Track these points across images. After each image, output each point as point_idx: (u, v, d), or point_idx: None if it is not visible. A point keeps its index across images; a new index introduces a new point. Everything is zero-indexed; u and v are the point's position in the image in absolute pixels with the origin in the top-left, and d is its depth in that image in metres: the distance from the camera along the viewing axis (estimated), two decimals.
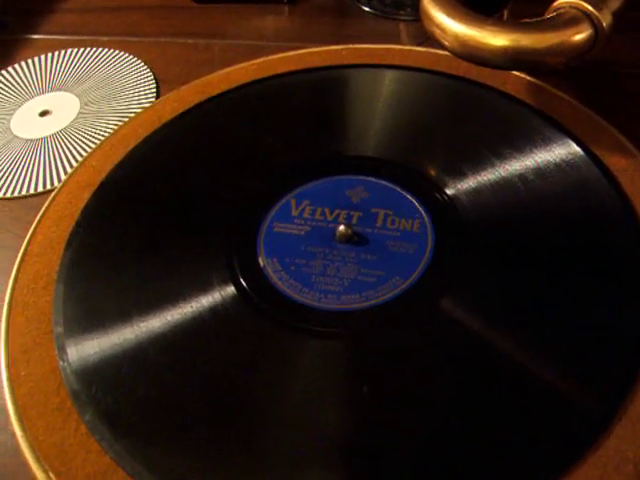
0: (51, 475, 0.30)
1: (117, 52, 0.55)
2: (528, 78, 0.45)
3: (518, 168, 0.39)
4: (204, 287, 0.35)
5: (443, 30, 0.39)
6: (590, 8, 0.38)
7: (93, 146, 0.46)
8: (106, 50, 0.56)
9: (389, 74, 0.46)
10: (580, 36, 0.38)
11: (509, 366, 0.32)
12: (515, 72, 0.46)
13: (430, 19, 0.40)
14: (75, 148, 0.47)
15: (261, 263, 0.36)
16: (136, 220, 0.40)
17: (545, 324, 0.33)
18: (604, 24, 0.38)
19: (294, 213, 0.39)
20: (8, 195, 0.45)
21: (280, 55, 0.49)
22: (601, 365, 0.31)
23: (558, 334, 0.32)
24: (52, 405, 0.32)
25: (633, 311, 0.33)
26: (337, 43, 0.51)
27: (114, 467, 0.30)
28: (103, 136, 0.47)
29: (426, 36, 0.42)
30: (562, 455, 0.29)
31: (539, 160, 0.39)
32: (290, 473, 0.29)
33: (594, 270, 0.35)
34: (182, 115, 0.45)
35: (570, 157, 0.39)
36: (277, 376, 0.32)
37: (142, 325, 0.34)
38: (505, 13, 0.50)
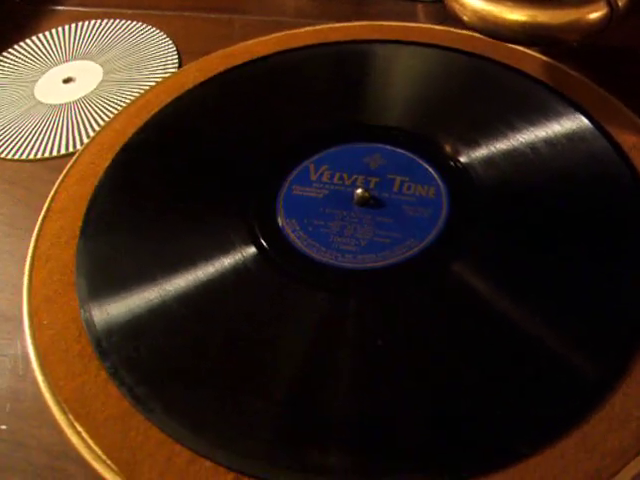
0: (71, 417, 0.31)
1: (140, 24, 0.56)
2: (544, 58, 0.46)
3: (530, 139, 0.40)
4: (225, 246, 0.36)
5: (462, 5, 0.40)
6: None
7: (115, 112, 0.47)
8: (129, 22, 0.57)
9: (408, 49, 0.47)
10: (596, 14, 0.38)
11: (519, 329, 0.32)
12: (531, 51, 0.46)
13: None
14: (97, 114, 0.48)
15: (280, 223, 0.37)
16: (157, 182, 0.41)
17: (553, 290, 0.34)
18: (620, 3, 0.39)
19: (313, 177, 0.39)
20: (31, 157, 0.46)
21: (302, 29, 0.50)
22: (608, 328, 0.32)
23: (566, 299, 0.33)
24: (73, 352, 0.33)
25: (638, 279, 0.34)
26: (357, 21, 0.52)
27: (132, 411, 0.31)
28: (126, 103, 0.48)
29: (444, 16, 0.42)
30: (571, 410, 0.29)
31: (550, 132, 0.40)
32: (300, 422, 0.30)
33: (601, 240, 0.35)
34: (204, 83, 0.46)
35: (581, 131, 0.40)
36: (294, 330, 0.33)
37: (163, 280, 0.35)
38: None
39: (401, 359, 0.32)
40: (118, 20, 0.57)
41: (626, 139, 0.40)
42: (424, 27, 0.49)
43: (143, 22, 0.56)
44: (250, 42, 0.50)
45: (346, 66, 0.47)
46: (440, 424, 0.30)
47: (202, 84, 0.46)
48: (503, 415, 0.30)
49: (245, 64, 0.47)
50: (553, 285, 0.34)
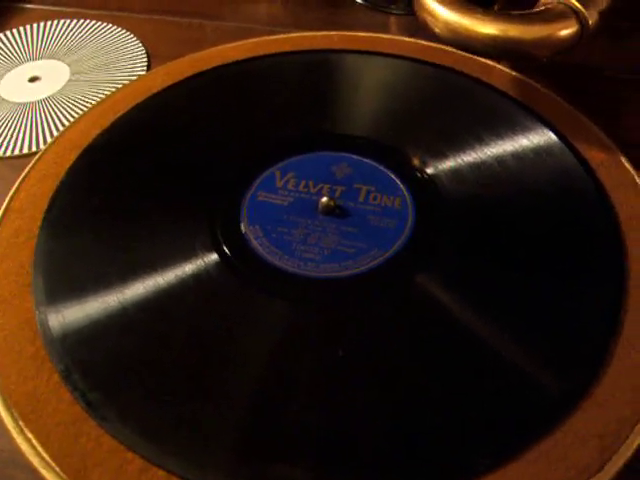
0: (20, 423, 0.30)
1: (109, 25, 0.56)
2: (513, 73, 0.46)
3: (497, 152, 0.40)
4: (186, 251, 0.36)
5: (434, 17, 0.40)
6: (578, 5, 0.39)
7: (81, 112, 0.46)
8: (99, 23, 0.56)
9: (378, 60, 0.47)
10: (566, 31, 0.39)
11: (480, 344, 0.32)
12: (500, 66, 0.46)
13: (422, 6, 0.41)
14: (63, 114, 0.47)
15: (243, 229, 0.37)
16: (120, 184, 0.40)
17: (517, 304, 0.34)
18: (590, 22, 0.39)
19: (278, 184, 0.39)
20: None
21: (272, 37, 0.50)
22: (571, 347, 0.32)
23: (530, 315, 0.33)
24: (26, 354, 0.32)
25: (603, 297, 0.34)
26: (328, 31, 0.51)
27: (84, 416, 0.30)
28: (92, 104, 0.47)
29: (416, 29, 0.43)
30: (532, 428, 0.29)
31: (517, 146, 0.40)
32: (259, 427, 0.30)
33: (568, 255, 0.35)
34: (172, 86, 0.46)
35: (549, 146, 0.40)
36: (254, 339, 0.32)
37: (122, 284, 0.34)
38: (495, 6, 0.51)
39: (362, 370, 0.31)
40: (88, 21, 0.56)
41: (594, 156, 0.40)
42: (394, 39, 0.49)
43: (113, 24, 0.56)
44: (219, 47, 0.49)
45: (316, 75, 0.47)
46: (401, 437, 0.29)
47: (169, 87, 0.45)
48: (464, 429, 0.29)
49: (213, 69, 0.47)
50: (517, 300, 0.34)
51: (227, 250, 0.36)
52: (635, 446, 0.29)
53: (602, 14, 0.40)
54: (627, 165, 0.40)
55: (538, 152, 0.40)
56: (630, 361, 0.31)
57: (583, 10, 0.39)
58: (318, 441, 0.29)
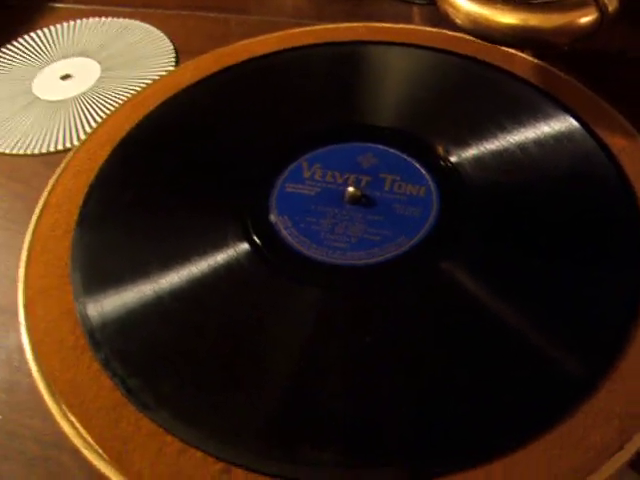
0: (64, 408, 0.31)
1: (138, 22, 0.57)
2: (535, 60, 0.47)
3: (519, 139, 0.40)
4: (218, 242, 0.37)
5: (456, 8, 0.41)
6: None
7: (113, 109, 0.47)
8: (127, 20, 0.57)
9: (401, 51, 0.48)
10: (586, 19, 0.39)
11: (505, 328, 0.33)
12: (522, 54, 0.47)
13: None
14: (95, 111, 0.49)
15: (272, 219, 0.38)
16: (152, 178, 0.41)
17: (541, 290, 0.34)
18: (610, 8, 0.39)
19: (305, 175, 0.40)
20: (29, 152, 0.46)
21: (298, 29, 0.51)
22: (594, 327, 0.33)
23: (552, 301, 0.34)
24: (67, 343, 0.34)
25: (624, 282, 0.34)
26: (352, 22, 0.52)
27: (124, 402, 0.31)
28: (123, 100, 0.49)
29: (439, 19, 0.43)
30: (555, 406, 0.30)
31: (539, 133, 0.41)
32: (289, 413, 0.31)
33: (589, 240, 0.36)
34: (200, 82, 0.47)
35: (570, 132, 0.41)
36: (285, 326, 0.34)
37: (157, 274, 0.35)
38: None
39: (388, 357, 0.32)
40: (116, 18, 0.58)
41: (615, 142, 0.40)
42: (418, 29, 0.50)
43: (141, 20, 0.57)
44: (246, 42, 0.50)
45: (340, 67, 0.48)
46: (426, 422, 0.30)
47: (198, 83, 0.46)
48: (487, 412, 0.30)
49: (240, 64, 0.48)
50: (541, 286, 0.34)
51: (257, 240, 0.37)
52: None
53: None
54: None
55: (559, 139, 0.40)
56: None
57: None
58: (345, 427, 0.30)
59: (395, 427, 0.30)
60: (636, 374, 0.31)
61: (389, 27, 0.50)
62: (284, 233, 0.37)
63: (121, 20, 0.57)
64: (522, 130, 0.41)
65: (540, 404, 0.30)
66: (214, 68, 0.48)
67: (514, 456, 0.29)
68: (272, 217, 0.38)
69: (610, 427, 0.29)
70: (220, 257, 0.36)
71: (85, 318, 0.34)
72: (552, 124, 0.41)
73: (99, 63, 0.53)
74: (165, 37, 0.55)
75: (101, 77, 0.52)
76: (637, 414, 0.30)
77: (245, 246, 0.37)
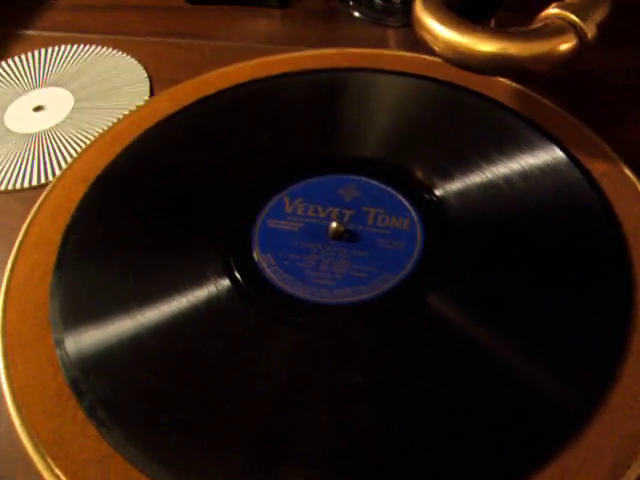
0: (49, 460, 0.31)
1: (110, 50, 0.56)
2: (515, 85, 0.47)
3: (503, 171, 0.41)
4: (200, 280, 0.36)
5: (434, 36, 0.40)
6: (576, 19, 0.39)
7: (88, 141, 0.47)
8: (100, 47, 0.56)
9: (381, 78, 0.48)
10: (565, 46, 0.39)
11: (493, 362, 0.33)
12: (502, 79, 0.47)
13: (422, 25, 0.41)
14: (70, 144, 0.48)
15: (255, 257, 0.37)
16: (132, 214, 0.41)
17: (528, 320, 0.34)
18: (589, 35, 0.39)
19: (287, 210, 0.40)
20: (2, 188, 0.45)
21: (275, 57, 0.51)
22: (581, 361, 0.33)
23: (541, 331, 0.34)
24: (50, 392, 0.33)
25: (612, 309, 0.34)
26: (327, 47, 0.52)
27: (112, 453, 0.31)
28: (98, 132, 0.48)
29: (414, 42, 0.43)
30: (545, 445, 0.30)
31: (524, 164, 0.41)
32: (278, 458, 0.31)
33: (575, 269, 0.36)
34: (177, 113, 0.46)
35: (554, 162, 0.41)
36: (270, 367, 0.33)
37: (138, 315, 0.35)
38: (492, 22, 0.51)
39: (376, 397, 0.32)
40: (89, 45, 0.57)
41: (597, 167, 0.41)
42: (396, 54, 0.50)
43: (114, 48, 0.56)
44: (221, 70, 0.50)
45: (319, 96, 0.47)
46: (411, 461, 0.30)
47: (174, 115, 0.46)
48: (481, 449, 0.30)
49: (217, 94, 0.47)
50: (528, 316, 0.34)
51: (240, 277, 0.36)
52: None
53: (600, 26, 0.40)
54: (630, 175, 0.41)
55: (544, 169, 0.40)
56: None
57: (581, 24, 0.39)
58: (334, 463, 0.30)
59: (379, 467, 0.30)
60: (627, 407, 0.31)
61: (367, 53, 0.50)
62: (267, 271, 0.37)
63: (93, 47, 0.56)
64: (506, 161, 0.41)
65: (527, 443, 0.30)
66: (190, 99, 0.47)
67: None
68: (255, 255, 0.37)
69: (603, 463, 0.29)
70: (202, 295, 0.36)
71: (67, 364, 0.34)
72: (536, 154, 0.41)
73: (72, 93, 0.52)
74: (138, 64, 0.54)
75: (75, 108, 0.51)
76: (630, 448, 0.30)
77: (227, 283, 0.36)
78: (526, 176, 0.40)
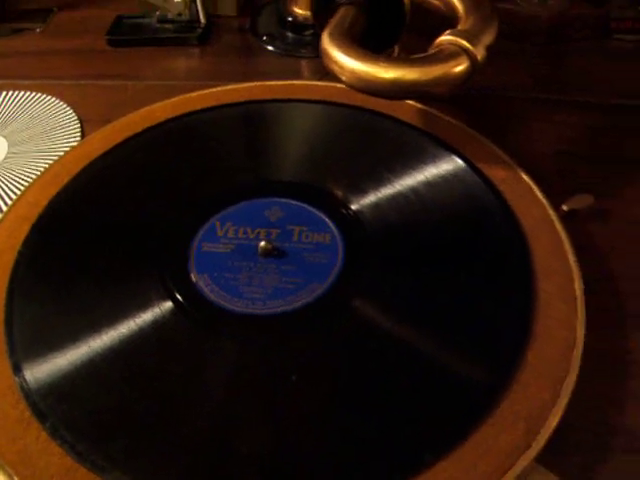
0: (16, 479, 0.33)
1: (39, 94, 0.59)
2: (419, 106, 0.52)
3: (410, 182, 0.45)
4: (144, 304, 0.39)
5: (341, 67, 0.44)
6: (466, 44, 0.43)
7: (25, 185, 0.49)
8: (29, 93, 0.59)
9: (296, 107, 0.52)
10: (459, 68, 0.43)
11: (415, 353, 0.37)
12: (408, 101, 0.52)
13: (329, 57, 0.45)
14: (7, 187, 0.50)
15: (193, 279, 0.41)
16: (76, 248, 0.43)
17: (443, 314, 0.38)
18: (479, 57, 0.43)
19: (219, 233, 0.43)
20: None
21: (195, 93, 0.54)
22: (492, 343, 0.37)
23: (455, 321, 0.38)
24: (12, 418, 0.35)
25: (515, 297, 0.39)
26: (245, 80, 0.56)
27: (76, 466, 0.33)
28: (34, 175, 0.50)
29: (325, 71, 0.47)
30: (464, 418, 0.34)
31: (428, 175, 0.46)
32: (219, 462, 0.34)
33: (481, 266, 0.41)
34: (110, 151, 0.49)
35: (455, 170, 0.46)
36: (213, 375, 0.36)
37: (89, 340, 0.38)
38: (396, 48, 0.55)
39: (310, 396, 0.36)
40: (17, 91, 0.59)
41: (496, 174, 0.46)
42: (309, 84, 0.54)
43: (42, 92, 0.59)
44: (147, 108, 0.53)
45: (241, 126, 0.51)
46: (347, 448, 0.33)
47: (107, 153, 0.49)
48: (408, 430, 0.34)
49: (145, 130, 0.51)
50: (443, 311, 0.39)
51: (181, 298, 0.40)
52: (554, 425, 0.34)
53: (488, 48, 0.44)
54: (526, 179, 0.45)
55: (446, 178, 0.45)
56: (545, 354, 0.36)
57: (471, 48, 0.43)
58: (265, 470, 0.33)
59: (316, 459, 0.33)
60: (534, 381, 0.35)
61: (281, 84, 0.54)
62: (205, 290, 0.40)
63: (22, 93, 0.59)
64: (412, 173, 0.46)
65: (451, 418, 0.34)
66: (120, 137, 0.50)
67: (433, 470, 0.32)
68: (193, 276, 0.41)
69: (517, 429, 0.33)
70: (146, 317, 0.39)
71: (27, 391, 0.36)
72: (438, 164, 0.46)
73: (5, 138, 0.54)
74: (68, 107, 0.57)
75: (9, 153, 0.53)
76: (539, 415, 0.34)
77: (169, 305, 0.39)
78: (430, 185, 0.45)
